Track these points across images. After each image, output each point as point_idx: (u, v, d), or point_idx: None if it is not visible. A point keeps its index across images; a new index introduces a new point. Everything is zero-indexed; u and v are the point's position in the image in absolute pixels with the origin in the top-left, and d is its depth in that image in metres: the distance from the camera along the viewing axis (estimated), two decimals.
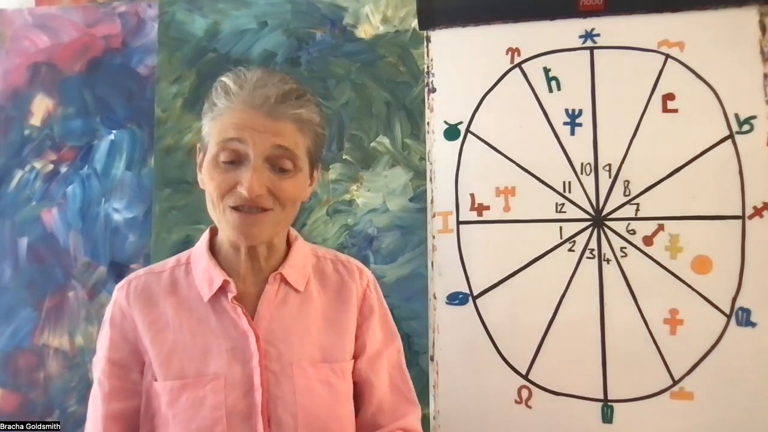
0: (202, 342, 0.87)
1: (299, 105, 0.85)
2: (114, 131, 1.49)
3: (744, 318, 1.17)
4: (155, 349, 0.88)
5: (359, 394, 0.96)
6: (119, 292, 0.92)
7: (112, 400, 0.89)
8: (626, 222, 1.23)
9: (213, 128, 0.85)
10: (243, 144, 0.83)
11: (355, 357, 0.96)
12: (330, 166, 1.38)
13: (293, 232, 0.98)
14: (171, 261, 0.96)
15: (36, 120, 1.52)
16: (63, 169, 1.49)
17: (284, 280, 0.92)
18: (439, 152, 1.33)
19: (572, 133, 1.28)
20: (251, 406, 0.85)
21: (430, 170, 1.34)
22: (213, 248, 0.94)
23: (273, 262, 0.93)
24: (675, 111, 1.23)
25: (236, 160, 0.84)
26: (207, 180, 0.86)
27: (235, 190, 0.83)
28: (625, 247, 1.23)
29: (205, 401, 0.84)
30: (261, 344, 0.87)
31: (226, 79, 0.86)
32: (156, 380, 0.87)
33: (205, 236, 0.95)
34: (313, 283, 0.95)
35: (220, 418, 0.84)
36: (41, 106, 1.52)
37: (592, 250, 1.24)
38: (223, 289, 0.89)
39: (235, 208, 0.84)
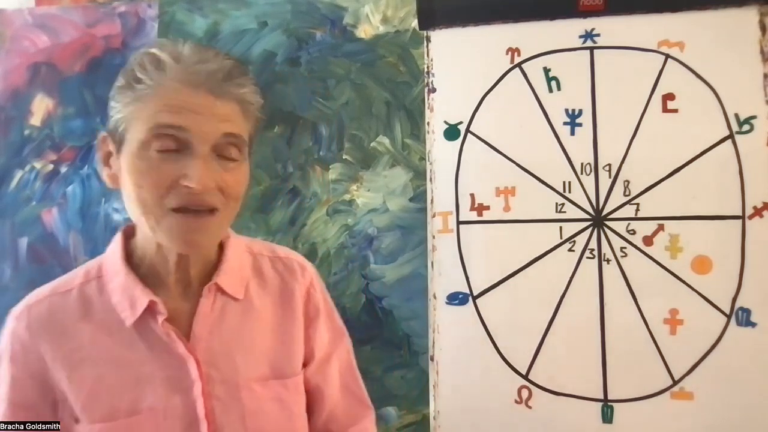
0: (130, 374, 0.73)
1: (243, 84, 0.72)
2: None
3: (744, 318, 1.17)
4: (74, 388, 0.73)
5: (310, 403, 0.87)
6: (17, 322, 0.75)
7: None
8: (626, 222, 1.23)
9: (137, 111, 0.69)
10: (182, 130, 0.68)
11: (304, 365, 0.86)
12: (330, 166, 1.38)
13: None
14: (79, 275, 0.79)
15: (36, 120, 1.51)
16: (63, 169, 1.49)
17: (220, 290, 0.79)
18: (439, 152, 1.33)
19: (572, 133, 1.28)
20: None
21: (430, 170, 1.34)
22: (128, 256, 0.78)
23: (204, 268, 0.79)
24: (675, 111, 1.23)
25: (173, 150, 0.68)
26: (133, 176, 0.69)
27: (176, 186, 0.68)
28: (625, 247, 1.23)
29: None
30: (202, 369, 0.75)
31: (157, 51, 0.70)
32: (77, 422, 0.73)
33: (118, 242, 0.79)
34: (253, 287, 0.82)
35: None
36: (41, 106, 1.52)
37: (592, 250, 1.24)
38: (150, 309, 0.74)
39: (177, 210, 0.69)
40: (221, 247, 0.82)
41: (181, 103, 0.68)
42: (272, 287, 0.85)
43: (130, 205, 0.72)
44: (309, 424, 0.87)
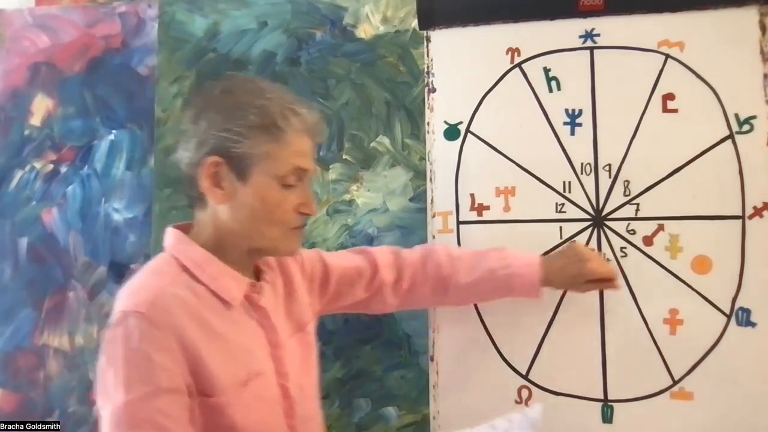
0: (242, 344, 0.90)
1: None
2: (114, 131, 1.49)
3: (744, 318, 1.17)
4: (209, 363, 0.83)
5: (348, 282, 1.12)
6: (150, 312, 0.81)
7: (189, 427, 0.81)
8: (626, 222, 1.23)
9: (273, 151, 0.88)
10: (306, 171, 0.92)
11: (326, 284, 1.11)
12: (330, 166, 1.38)
13: None
14: (166, 271, 0.90)
15: (36, 120, 1.52)
16: (63, 169, 1.49)
17: (265, 279, 0.99)
18: (439, 152, 1.33)
19: (572, 133, 1.28)
20: (285, 392, 0.93)
21: (430, 170, 1.34)
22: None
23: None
24: (675, 111, 1.23)
25: (296, 182, 0.92)
26: (266, 201, 0.89)
27: (296, 212, 0.92)
28: (625, 247, 1.23)
29: (262, 397, 0.89)
30: (278, 336, 0.95)
31: (297, 108, 0.91)
32: (210, 396, 0.83)
33: (185, 238, 0.93)
34: (266, 267, 1.01)
35: (272, 410, 0.91)
36: (41, 106, 1.52)
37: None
38: (248, 290, 0.93)
39: (295, 227, 0.93)
40: None
41: (305, 149, 0.92)
42: (273, 262, 1.03)
43: (251, 221, 0.90)
44: (356, 299, 1.14)
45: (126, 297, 0.86)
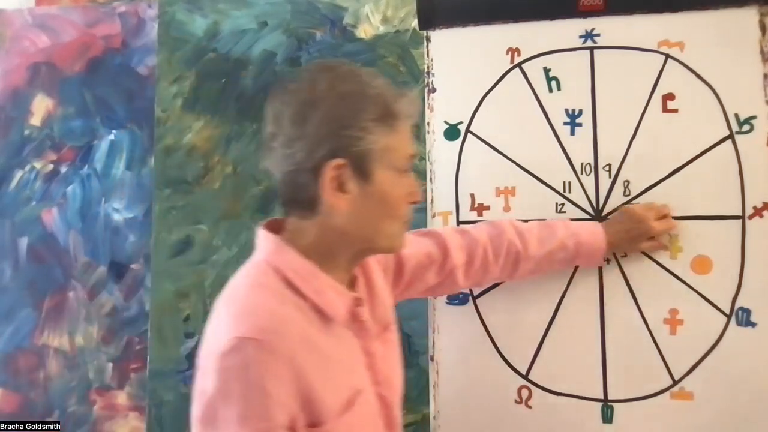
0: (345, 362, 0.84)
1: None
2: (114, 131, 1.49)
3: (744, 318, 1.17)
4: (319, 388, 0.76)
5: (430, 263, 1.07)
6: (268, 340, 0.74)
7: None
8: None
9: (392, 142, 0.81)
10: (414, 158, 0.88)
11: (404, 269, 1.04)
12: None
13: None
14: (269, 285, 0.81)
15: (36, 120, 1.52)
16: (63, 169, 1.49)
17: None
18: (439, 152, 1.33)
19: (572, 133, 1.28)
20: (383, 401, 0.89)
21: (430, 170, 1.34)
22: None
23: None
24: (675, 111, 1.23)
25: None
26: (394, 196, 0.83)
27: (406, 201, 0.86)
28: None
29: (364, 414, 0.84)
30: (373, 344, 0.90)
31: (394, 89, 0.84)
32: (317, 425, 0.77)
33: (285, 247, 0.83)
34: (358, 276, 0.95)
35: (375, 424, 0.87)
36: (41, 106, 1.52)
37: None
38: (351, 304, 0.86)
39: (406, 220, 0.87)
40: None
41: (411, 134, 0.86)
42: (361, 276, 0.96)
43: (372, 219, 0.83)
44: (427, 285, 1.09)
45: (237, 319, 0.77)
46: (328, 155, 0.78)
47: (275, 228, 0.87)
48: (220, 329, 0.77)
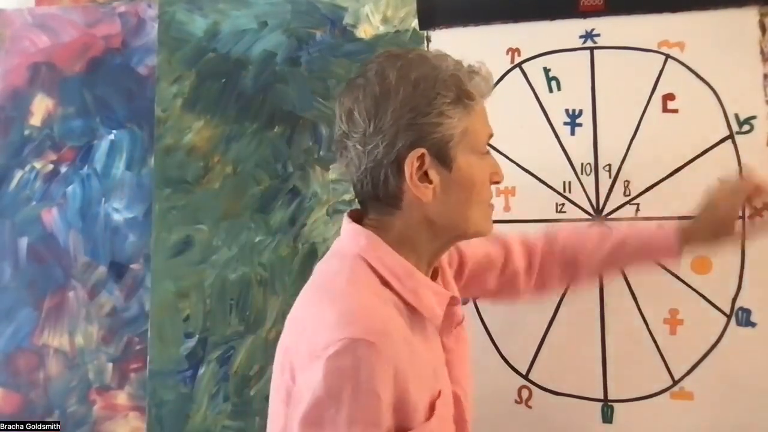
0: (432, 363, 0.80)
1: None
2: (114, 131, 1.49)
3: (744, 318, 1.17)
4: (414, 391, 0.74)
5: (491, 266, 1.03)
6: (380, 342, 0.71)
7: None
8: (626, 222, 1.23)
9: (471, 124, 0.79)
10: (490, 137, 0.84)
11: (465, 266, 1.00)
12: (330, 166, 1.37)
13: None
14: (369, 283, 0.78)
15: (36, 120, 1.51)
16: (63, 169, 1.49)
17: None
18: None
19: (572, 133, 1.28)
20: (457, 401, 0.85)
21: None
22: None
23: None
24: (675, 111, 1.23)
25: None
26: (478, 179, 0.80)
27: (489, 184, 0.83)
28: None
29: (445, 417, 0.80)
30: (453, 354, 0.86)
31: (478, 67, 0.82)
32: (407, 430, 0.74)
33: (379, 243, 0.79)
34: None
35: (451, 428, 0.83)
36: (41, 106, 1.52)
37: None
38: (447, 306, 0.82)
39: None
40: None
41: (486, 113, 0.83)
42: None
43: (459, 206, 0.80)
44: (487, 290, 1.05)
45: (345, 318, 0.73)
46: (409, 146, 0.76)
47: (358, 219, 0.83)
48: (324, 327, 0.73)
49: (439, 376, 0.81)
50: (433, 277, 0.86)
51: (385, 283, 0.78)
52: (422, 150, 0.76)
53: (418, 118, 0.76)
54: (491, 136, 0.84)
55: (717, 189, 1.02)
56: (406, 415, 0.73)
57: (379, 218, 0.81)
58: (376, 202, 0.80)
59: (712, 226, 1.00)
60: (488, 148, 0.84)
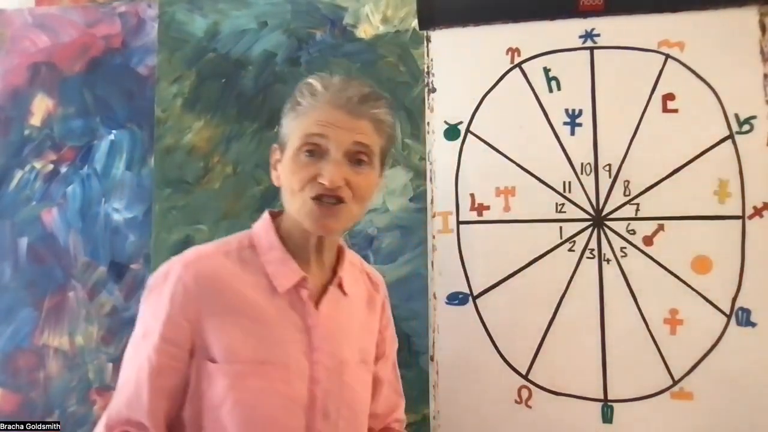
0: (272, 330, 0.90)
1: (377, 106, 0.92)
2: (114, 131, 1.49)
3: (744, 318, 1.17)
4: (223, 333, 0.88)
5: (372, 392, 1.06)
6: (186, 270, 0.89)
7: (160, 376, 0.87)
8: (626, 222, 1.23)
9: (296, 126, 0.90)
10: (324, 139, 0.88)
11: (376, 360, 1.05)
12: None
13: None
14: (232, 242, 0.95)
15: (36, 120, 1.52)
16: (63, 169, 1.49)
17: (339, 284, 0.97)
18: (439, 152, 1.33)
19: (572, 133, 1.28)
20: (312, 398, 0.90)
21: (430, 170, 1.34)
22: (280, 237, 0.95)
23: (330, 263, 0.98)
24: (675, 111, 1.23)
25: (317, 153, 0.88)
26: (288, 173, 0.90)
27: (314, 181, 0.88)
28: (625, 247, 1.23)
29: (272, 389, 0.88)
30: (321, 340, 0.92)
31: (313, 81, 0.92)
32: (215, 362, 0.87)
33: (268, 221, 0.96)
34: (353, 289, 1.00)
35: (286, 407, 0.88)
36: (41, 106, 1.52)
37: (592, 250, 1.24)
38: (298, 283, 0.92)
39: (314, 199, 0.88)
40: (339, 253, 1.00)
41: (325, 118, 0.89)
42: (362, 293, 1.04)
43: (285, 195, 0.91)
44: None
45: (187, 251, 0.93)
46: (276, 143, 0.95)
47: (280, 215, 0.98)
48: None
49: (286, 353, 0.90)
50: (334, 270, 0.97)
51: (252, 249, 0.94)
52: (276, 145, 0.95)
53: (281, 120, 0.94)
54: (318, 135, 0.89)
55: None
56: (204, 343, 0.87)
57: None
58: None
59: None
60: (311, 148, 0.89)
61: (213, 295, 0.88)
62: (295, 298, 0.92)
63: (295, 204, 0.90)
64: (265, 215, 0.98)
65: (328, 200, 0.88)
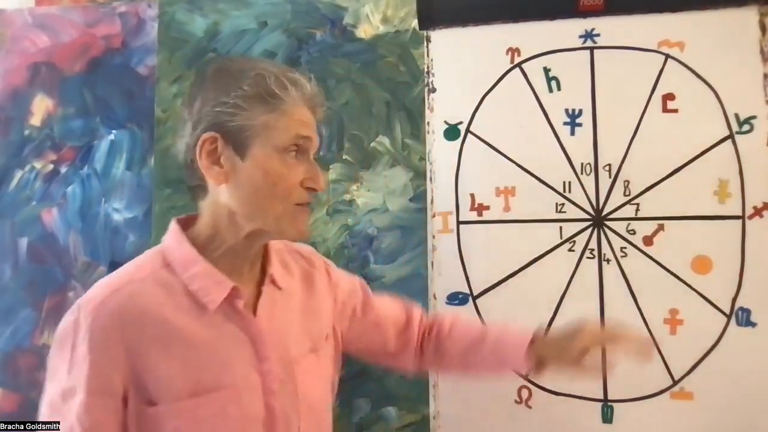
0: (211, 353, 0.82)
1: (323, 105, 0.90)
2: (114, 131, 1.49)
3: (744, 318, 1.17)
4: (157, 369, 0.78)
5: (378, 334, 1.07)
6: (98, 311, 0.78)
7: None
8: (626, 222, 1.23)
9: (272, 121, 0.82)
10: (308, 140, 0.85)
11: (357, 317, 1.05)
12: (330, 166, 1.38)
13: None
14: (144, 266, 0.85)
15: (36, 120, 1.52)
16: (63, 169, 1.49)
17: (272, 280, 0.91)
18: (439, 152, 1.33)
19: (572, 133, 1.28)
20: (270, 410, 0.84)
21: (430, 170, 1.34)
22: (197, 248, 0.86)
23: (260, 260, 0.92)
24: (675, 111, 1.23)
25: (298, 154, 0.84)
26: (270, 175, 0.82)
27: (300, 186, 0.84)
28: (625, 247, 1.23)
29: (225, 415, 0.80)
30: (267, 348, 0.85)
31: (288, 74, 0.85)
32: (155, 404, 0.78)
33: (179, 233, 0.87)
34: (284, 277, 0.94)
35: (245, 428, 0.82)
36: (41, 106, 1.52)
37: (592, 250, 1.24)
38: (230, 295, 0.84)
39: (298, 204, 0.84)
40: (265, 246, 0.92)
41: (308, 120, 0.85)
42: (297, 273, 0.98)
43: (253, 198, 0.82)
44: (385, 349, 1.08)
45: (94, 287, 0.82)
46: (205, 130, 0.82)
47: (191, 221, 0.89)
48: None
49: (233, 372, 0.82)
50: (263, 274, 0.90)
51: (168, 268, 0.84)
52: (214, 134, 0.82)
53: (217, 106, 0.82)
54: (305, 138, 0.85)
55: (580, 329, 0.97)
56: (141, 384, 0.78)
57: (200, 207, 0.87)
58: (192, 189, 0.88)
59: (560, 357, 1.00)
60: (300, 149, 0.85)
61: (137, 331, 0.78)
62: (230, 310, 0.84)
63: (275, 210, 0.82)
64: (173, 226, 0.88)
65: (307, 205, 0.85)
